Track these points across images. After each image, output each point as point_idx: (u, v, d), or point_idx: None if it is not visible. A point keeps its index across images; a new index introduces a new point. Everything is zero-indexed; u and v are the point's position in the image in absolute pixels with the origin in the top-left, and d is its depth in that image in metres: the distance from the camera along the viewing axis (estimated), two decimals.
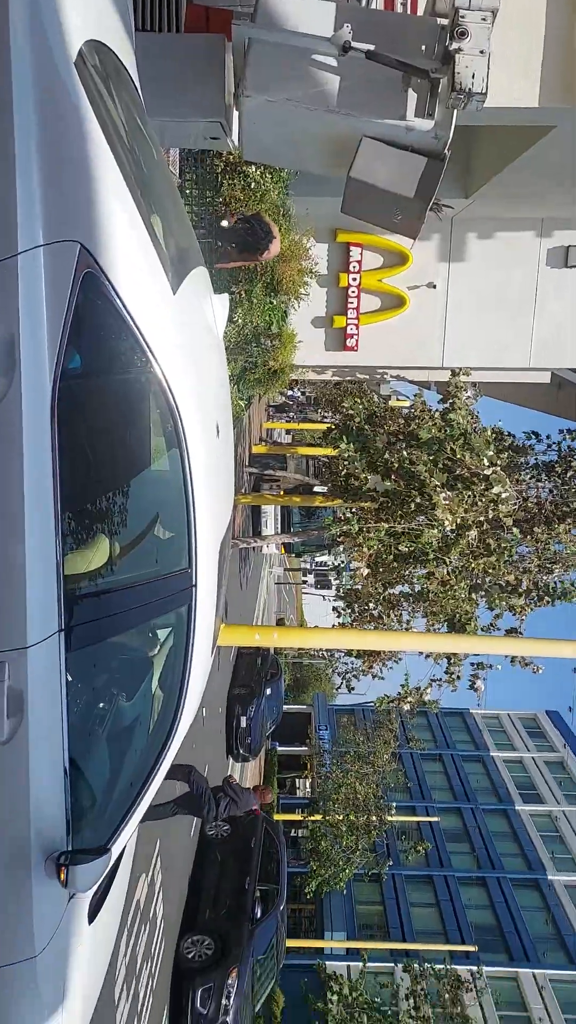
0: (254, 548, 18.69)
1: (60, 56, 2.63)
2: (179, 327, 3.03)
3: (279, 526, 18.30)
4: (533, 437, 11.75)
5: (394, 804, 23.27)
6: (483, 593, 10.95)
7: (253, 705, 15.13)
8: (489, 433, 10.16)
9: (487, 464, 9.59)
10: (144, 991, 7.92)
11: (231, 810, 8.37)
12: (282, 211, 7.34)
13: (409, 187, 5.48)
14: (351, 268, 11.62)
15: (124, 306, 2.71)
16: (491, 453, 9.72)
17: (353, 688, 13.17)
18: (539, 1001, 22.27)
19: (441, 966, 19.02)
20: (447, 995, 18.32)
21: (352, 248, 11.57)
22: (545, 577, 10.79)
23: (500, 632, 10.98)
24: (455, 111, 4.46)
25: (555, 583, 10.77)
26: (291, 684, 42.27)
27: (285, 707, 23.03)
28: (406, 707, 11.45)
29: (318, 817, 22.84)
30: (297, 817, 25.95)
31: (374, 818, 20.93)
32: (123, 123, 3.01)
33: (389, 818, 22.12)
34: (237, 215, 6.77)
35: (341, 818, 21.11)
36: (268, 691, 15.99)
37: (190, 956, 9.86)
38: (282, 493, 14.28)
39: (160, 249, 2.91)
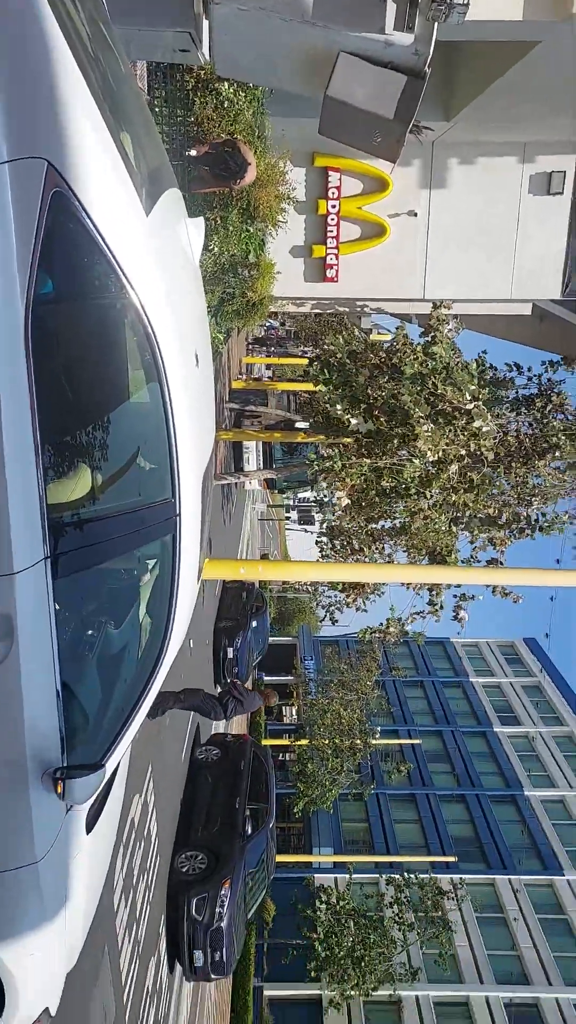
0: (236, 484, 18.69)
1: None
2: (154, 250, 2.96)
3: (261, 462, 18.31)
4: (515, 369, 11.71)
5: (378, 728, 24.25)
6: (463, 526, 11.10)
7: (239, 637, 15.49)
8: (473, 366, 10.11)
9: (469, 398, 9.58)
10: (141, 900, 8.41)
11: (238, 710, 8.75)
12: (257, 132, 7.07)
13: (388, 107, 5.31)
14: (330, 194, 11.29)
15: (96, 228, 2.62)
16: (474, 387, 9.70)
17: (337, 621, 13.45)
18: (515, 904, 23.80)
19: (424, 875, 20.22)
20: (429, 902, 19.51)
21: (331, 173, 11.22)
22: (525, 510, 10.93)
23: (481, 563, 11.19)
24: (436, 24, 4.31)
25: (536, 515, 10.91)
26: (276, 617, 43.14)
27: (271, 639, 23.54)
28: (391, 639, 11.68)
29: (305, 742, 23.79)
30: (285, 742, 26.99)
31: (358, 741, 21.84)
32: (86, 31, 2.87)
33: (373, 741, 23.09)
34: (209, 144, 6.54)
35: (327, 742, 22.01)
36: (254, 623, 16.34)
37: (184, 870, 10.42)
38: (263, 429, 14.18)
39: (131, 168, 2.82)
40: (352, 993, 18.16)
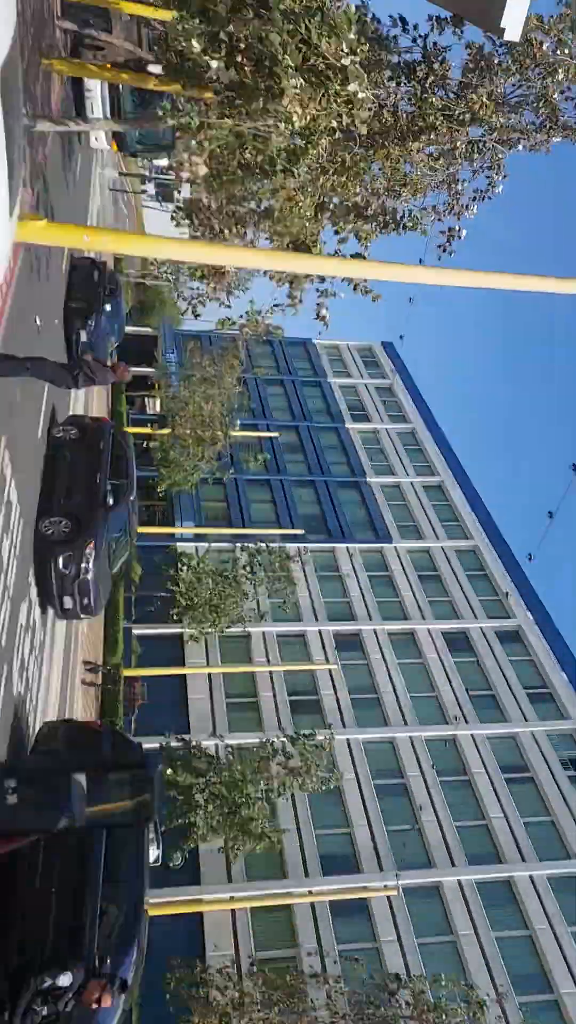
0: (80, 136, 16.05)
1: None
2: None
3: (108, 111, 15.60)
4: (399, 24, 10.38)
5: (238, 422, 25.52)
6: (329, 214, 10.70)
7: (92, 319, 14.83)
8: (352, 9, 8.83)
9: (346, 50, 8.52)
10: (7, 556, 9.25)
11: (89, 383, 8.76)
12: None
13: None
14: None
15: None
16: (352, 37, 8.58)
17: (200, 315, 13.20)
18: (349, 565, 28.43)
19: (275, 544, 23.32)
20: (278, 564, 22.85)
21: None
22: (393, 202, 10.61)
23: (345, 256, 11.02)
24: None
25: (403, 211, 10.65)
26: (135, 307, 41.22)
27: (130, 329, 22.74)
28: (248, 332, 11.71)
29: (167, 431, 24.78)
30: (147, 430, 27.94)
31: (219, 432, 23.07)
32: None
33: (233, 433, 24.45)
34: None
35: (189, 432, 23.07)
36: (107, 307, 15.55)
37: (49, 533, 11.33)
38: (108, 67, 11.83)
39: None
40: (209, 630, 21.82)
